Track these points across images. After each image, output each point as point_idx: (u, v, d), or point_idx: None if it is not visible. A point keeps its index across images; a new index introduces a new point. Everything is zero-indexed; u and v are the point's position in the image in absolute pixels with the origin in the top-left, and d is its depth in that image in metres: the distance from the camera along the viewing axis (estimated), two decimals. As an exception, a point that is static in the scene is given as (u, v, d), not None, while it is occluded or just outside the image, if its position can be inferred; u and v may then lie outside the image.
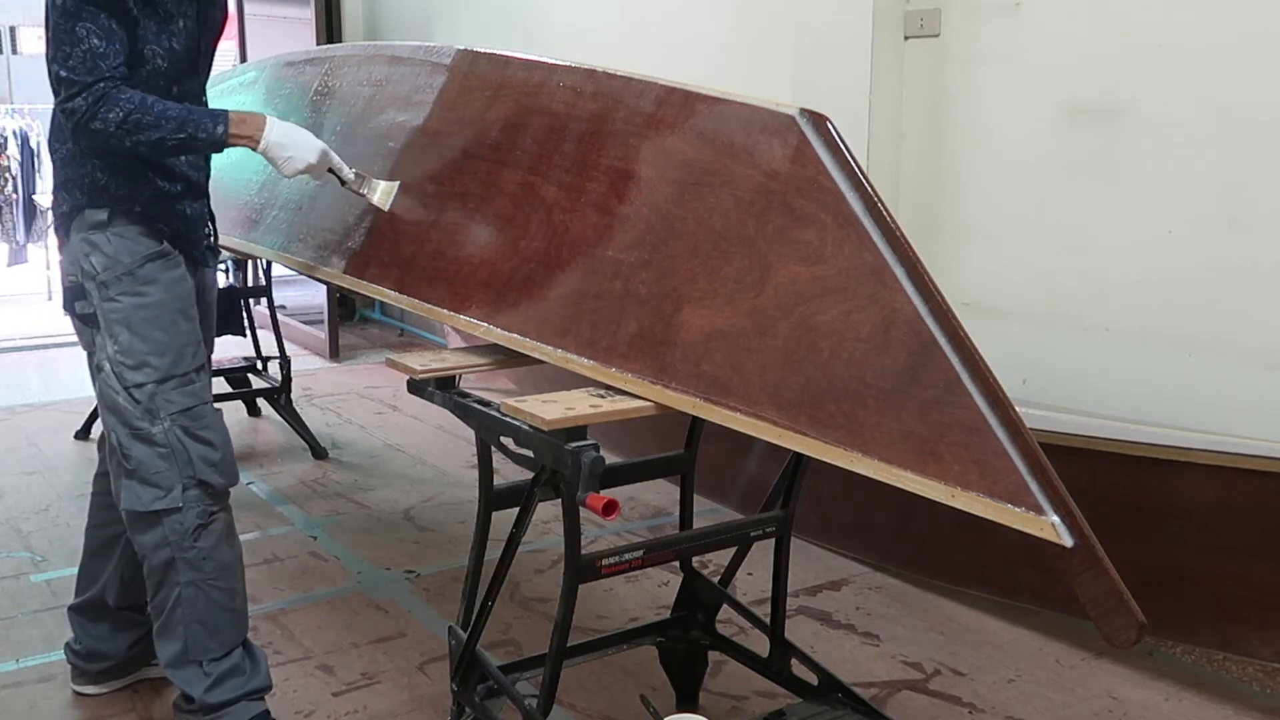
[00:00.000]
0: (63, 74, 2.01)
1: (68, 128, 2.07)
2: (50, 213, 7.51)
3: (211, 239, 2.39)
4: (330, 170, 2.27)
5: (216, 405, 2.29)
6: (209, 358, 2.37)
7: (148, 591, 2.24)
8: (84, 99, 2.00)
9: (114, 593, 2.44)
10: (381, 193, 2.32)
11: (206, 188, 2.34)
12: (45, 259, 8.25)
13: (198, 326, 2.27)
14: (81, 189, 2.16)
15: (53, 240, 7.88)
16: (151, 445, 2.14)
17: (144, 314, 2.16)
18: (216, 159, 2.38)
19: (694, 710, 2.33)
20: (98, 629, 2.49)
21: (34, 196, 8.33)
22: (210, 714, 2.21)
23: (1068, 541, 1.44)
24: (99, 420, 4.40)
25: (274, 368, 4.53)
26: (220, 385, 4.51)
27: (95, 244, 2.16)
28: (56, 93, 2.05)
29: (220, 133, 2.11)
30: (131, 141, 2.04)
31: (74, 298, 2.19)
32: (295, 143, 2.20)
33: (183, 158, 2.24)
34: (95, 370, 2.20)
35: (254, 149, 2.18)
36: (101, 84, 2.00)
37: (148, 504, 2.14)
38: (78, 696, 2.53)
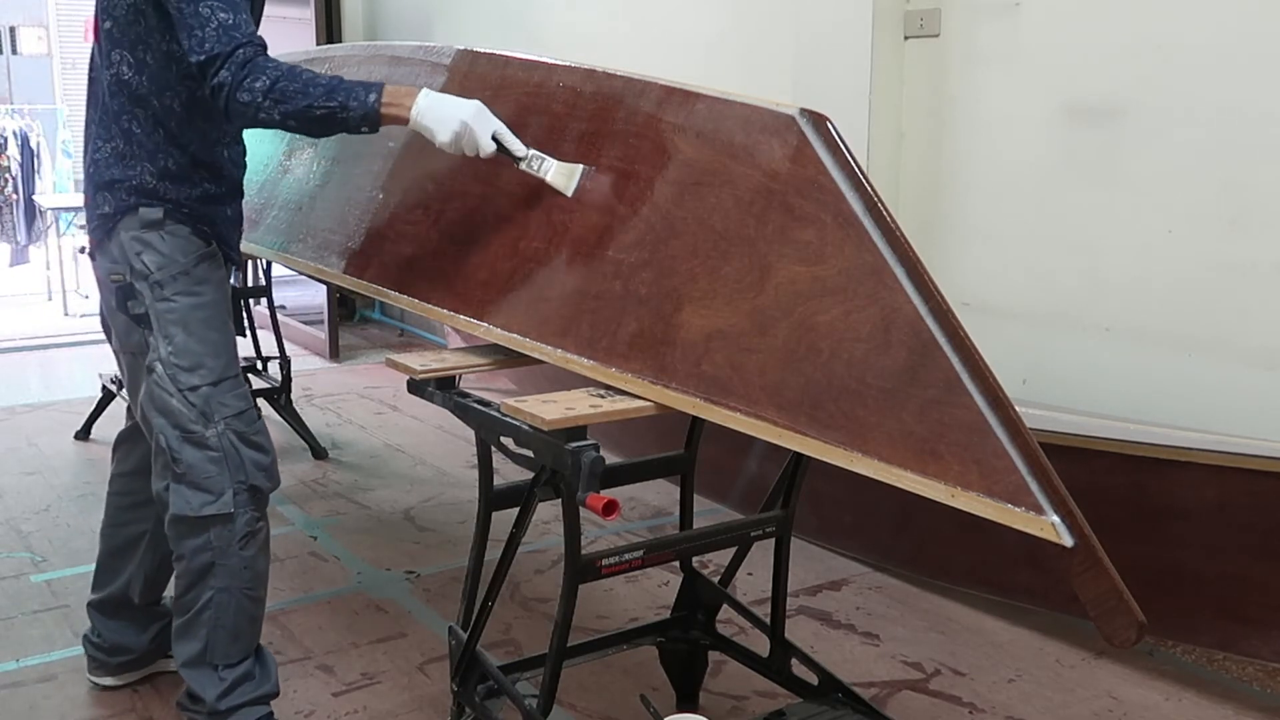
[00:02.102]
0: (201, 59, 1.93)
1: (222, 113, 1.98)
2: (60, 210, 7.58)
3: (240, 237, 2.38)
4: (498, 143, 2.01)
5: None
6: None
7: (176, 588, 2.22)
8: (227, 70, 1.91)
9: (138, 589, 2.45)
10: (558, 173, 2.02)
11: (243, 187, 2.31)
12: (45, 259, 8.25)
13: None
14: (128, 190, 2.11)
15: (53, 241, 7.91)
16: (204, 449, 2.10)
17: (200, 314, 2.13)
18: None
19: (694, 710, 2.33)
20: (118, 624, 2.50)
21: (34, 197, 8.33)
22: (216, 717, 2.21)
23: (1068, 541, 1.44)
24: (99, 420, 4.44)
25: (274, 368, 4.53)
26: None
27: (149, 243, 2.11)
28: (200, 80, 1.98)
29: (373, 102, 1.95)
30: (280, 113, 1.93)
31: (125, 297, 2.13)
32: (446, 103, 1.99)
33: (226, 153, 2.21)
34: (145, 372, 2.14)
35: (406, 122, 1.99)
36: (241, 50, 1.92)
37: (198, 509, 2.11)
38: (78, 696, 2.53)
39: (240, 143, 2.28)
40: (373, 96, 1.96)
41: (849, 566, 3.30)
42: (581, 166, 2.02)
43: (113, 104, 2.12)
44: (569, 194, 2.02)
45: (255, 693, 2.24)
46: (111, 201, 2.13)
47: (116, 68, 2.10)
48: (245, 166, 2.31)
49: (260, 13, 2.26)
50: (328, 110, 1.94)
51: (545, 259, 2.02)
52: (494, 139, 2.01)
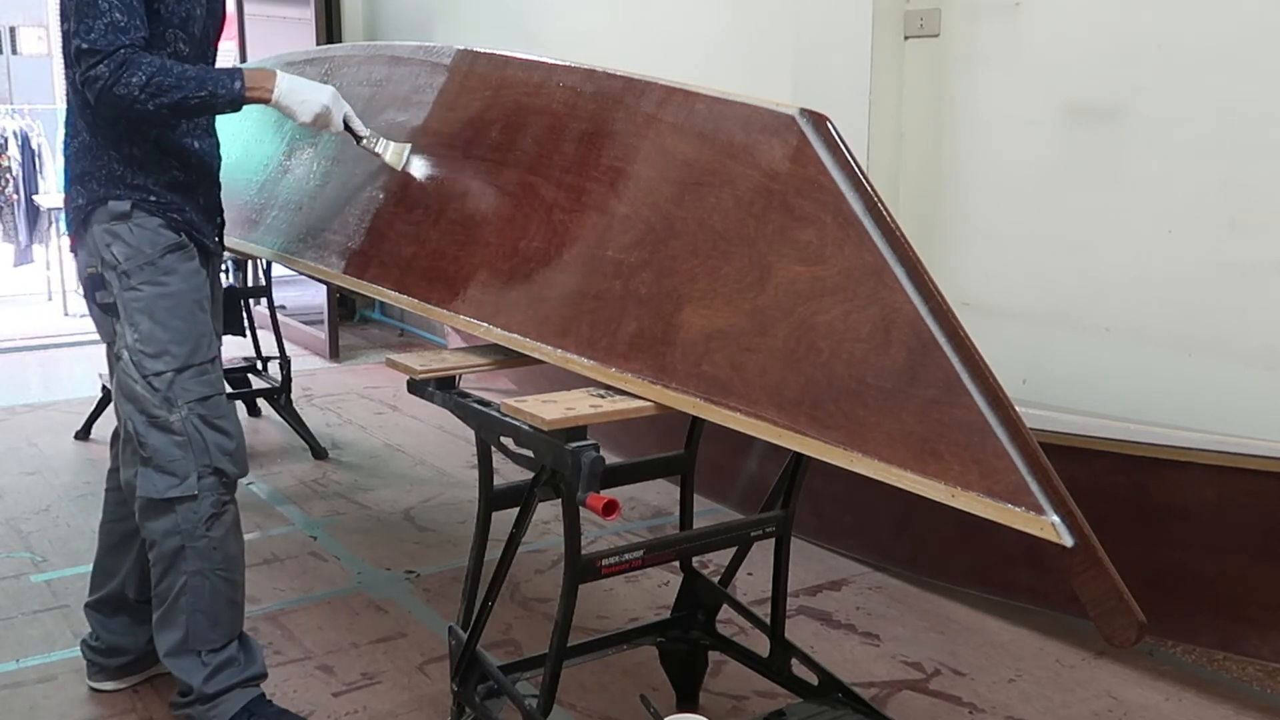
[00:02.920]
0: (84, 46, 2.02)
1: (90, 100, 2.07)
2: (62, 210, 7.55)
3: (222, 228, 2.42)
4: (346, 125, 2.29)
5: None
6: (219, 349, 2.39)
7: (153, 579, 2.26)
8: (106, 66, 2.01)
9: (134, 586, 2.47)
10: (393, 152, 2.35)
11: (218, 175, 2.37)
12: (45, 259, 8.25)
13: (210, 319, 2.30)
14: (99, 181, 2.18)
15: (53, 241, 7.90)
16: (168, 433, 2.17)
17: (165, 303, 2.19)
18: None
19: (694, 710, 2.33)
20: (116, 624, 2.51)
21: (34, 197, 8.32)
22: (207, 703, 2.24)
23: (1068, 541, 1.44)
24: (99, 420, 4.44)
25: (274, 368, 4.53)
26: (220, 385, 4.51)
27: (118, 234, 2.18)
28: (78, 66, 2.05)
29: (238, 88, 2.13)
30: (155, 105, 2.05)
31: (95, 287, 2.21)
32: (306, 87, 2.22)
33: (196, 144, 2.27)
34: (114, 359, 2.22)
35: (268, 102, 2.19)
36: (122, 50, 2.02)
37: (163, 491, 2.17)
38: (78, 696, 2.53)
39: (212, 135, 2.35)
40: (238, 84, 2.15)
41: (849, 566, 3.30)
42: (409, 145, 2.36)
43: (77, 100, 2.20)
44: (399, 169, 2.36)
45: (241, 676, 2.28)
46: (84, 194, 2.20)
47: (75, 67, 2.15)
48: (220, 159, 2.37)
49: (221, 12, 2.32)
50: (200, 99, 2.10)
51: (545, 259, 2.02)
52: (344, 120, 2.29)
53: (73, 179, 2.22)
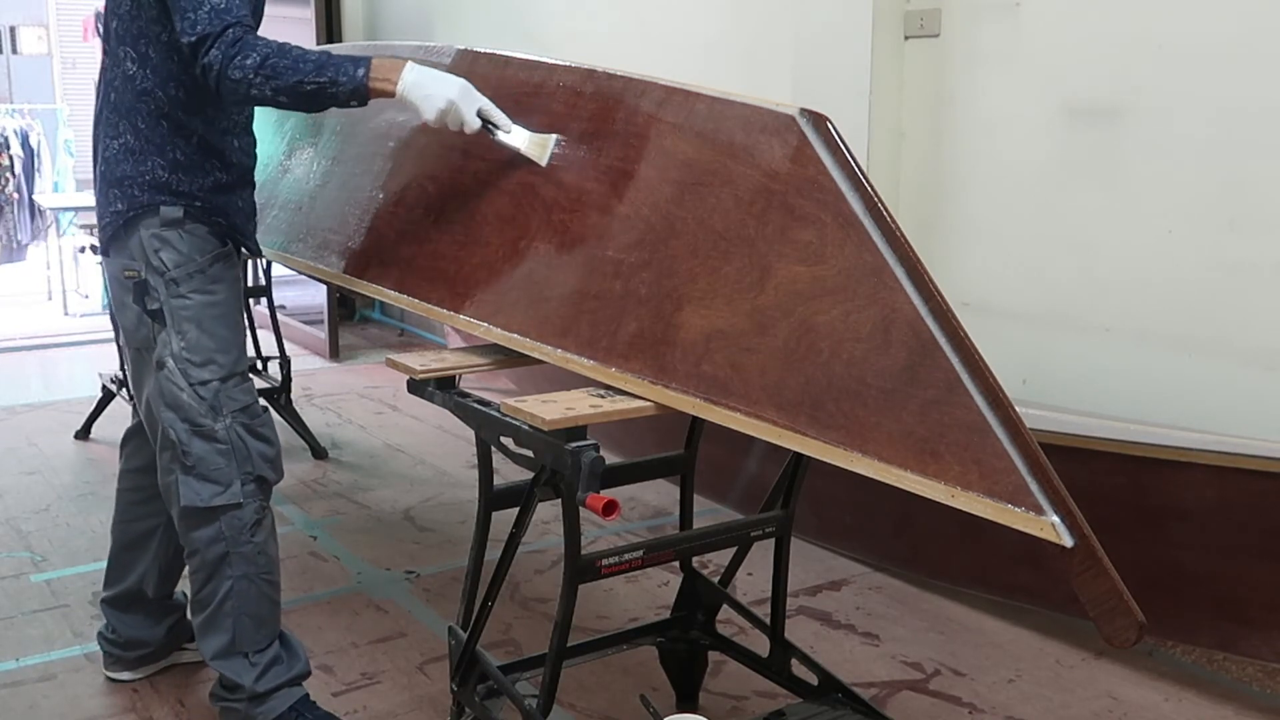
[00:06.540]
0: (192, 39, 1.96)
1: (211, 91, 2.00)
2: (61, 210, 7.58)
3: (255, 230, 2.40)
4: (482, 118, 2.06)
5: None
6: None
7: (193, 584, 2.26)
8: (217, 49, 1.94)
9: (153, 583, 2.49)
10: (535, 144, 2.09)
11: (254, 175, 2.33)
12: (45, 259, 8.25)
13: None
14: (140, 187, 2.14)
15: (53, 240, 7.90)
16: (212, 442, 2.16)
17: (213, 312, 2.18)
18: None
19: (694, 710, 2.33)
20: (132, 619, 2.53)
21: (34, 196, 8.33)
22: (257, 700, 2.26)
23: (1068, 541, 1.44)
24: (99, 420, 4.44)
25: (274, 368, 4.53)
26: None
27: (168, 240, 2.15)
28: (191, 61, 2.00)
29: (361, 76, 1.99)
30: (272, 89, 1.95)
31: (141, 293, 2.17)
32: (434, 80, 2.02)
33: (236, 142, 2.23)
34: (155, 366, 2.19)
35: (393, 95, 2.02)
36: (230, 29, 1.95)
37: (207, 499, 2.17)
38: (77, 696, 2.54)
39: (250, 133, 2.31)
40: (361, 71, 1.99)
41: (849, 566, 3.30)
42: (554, 136, 2.08)
43: (121, 101, 2.15)
44: (544, 164, 2.07)
45: (288, 675, 2.30)
46: (123, 199, 2.15)
47: (122, 65, 2.14)
48: (256, 157, 2.34)
49: (260, 14, 2.27)
50: (318, 85, 1.97)
51: (545, 259, 2.03)
52: (479, 115, 2.05)
53: (111, 182, 2.16)
